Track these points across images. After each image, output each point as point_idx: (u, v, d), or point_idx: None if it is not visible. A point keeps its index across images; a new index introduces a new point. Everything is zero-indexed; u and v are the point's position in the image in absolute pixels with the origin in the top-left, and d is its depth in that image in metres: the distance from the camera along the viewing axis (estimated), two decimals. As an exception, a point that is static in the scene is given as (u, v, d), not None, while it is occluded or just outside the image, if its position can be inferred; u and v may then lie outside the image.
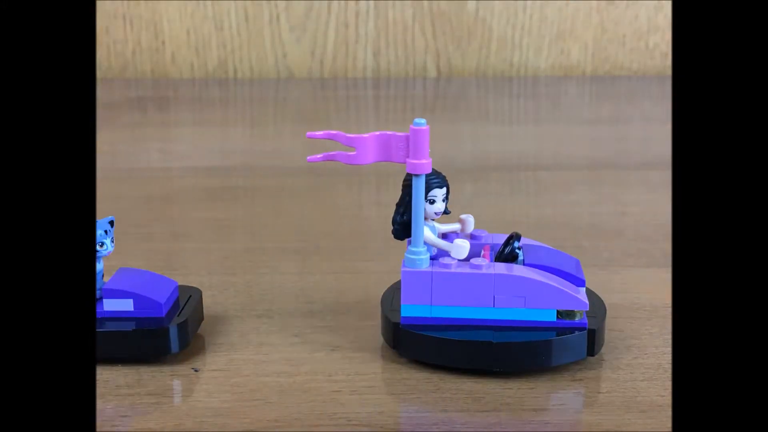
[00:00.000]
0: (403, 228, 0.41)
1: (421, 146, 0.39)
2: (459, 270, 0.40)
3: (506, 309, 0.39)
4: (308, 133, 0.40)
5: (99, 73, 1.17)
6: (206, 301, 0.47)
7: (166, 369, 0.40)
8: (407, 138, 0.39)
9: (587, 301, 0.40)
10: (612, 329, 0.44)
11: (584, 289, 0.41)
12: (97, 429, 0.35)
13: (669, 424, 0.35)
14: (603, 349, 0.41)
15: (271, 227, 0.61)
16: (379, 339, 0.43)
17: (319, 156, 0.41)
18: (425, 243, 0.40)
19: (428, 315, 0.40)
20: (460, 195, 0.67)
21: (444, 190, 0.41)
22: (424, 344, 0.40)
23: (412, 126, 0.39)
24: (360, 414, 0.36)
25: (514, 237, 0.41)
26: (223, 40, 1.15)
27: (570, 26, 1.16)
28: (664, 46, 1.16)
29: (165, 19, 1.15)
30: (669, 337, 0.43)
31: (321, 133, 0.40)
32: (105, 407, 0.37)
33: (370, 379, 0.39)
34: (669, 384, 0.39)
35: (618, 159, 0.79)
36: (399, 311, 0.41)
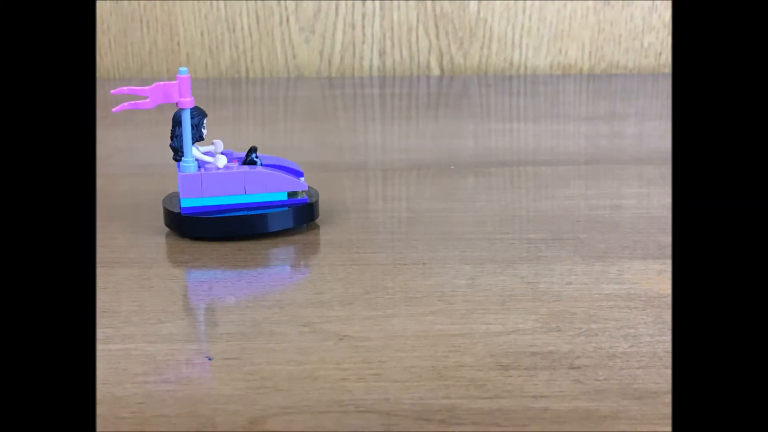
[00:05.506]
0: (175, 150, 0.56)
1: (185, 90, 0.54)
2: (220, 171, 0.56)
3: (253, 195, 0.56)
4: (112, 92, 0.55)
5: (117, 73, 1.18)
6: (220, 291, 0.49)
7: (181, 357, 0.41)
8: (178, 84, 0.54)
9: (305, 185, 0.57)
10: (608, 319, 0.45)
11: (303, 178, 0.58)
12: (116, 415, 0.36)
13: (664, 411, 0.36)
14: (600, 338, 0.43)
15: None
16: (385, 328, 0.44)
17: (120, 107, 0.55)
18: (196, 159, 0.56)
19: (200, 204, 0.56)
20: (463, 188, 0.68)
21: (204, 120, 0.56)
22: (201, 224, 0.55)
23: (178, 75, 0.54)
24: (367, 401, 0.37)
25: (253, 149, 0.58)
26: (235, 41, 1.16)
27: (568, 26, 1.16)
28: (659, 45, 1.17)
29: (180, 21, 1.15)
30: (663, 326, 0.44)
31: (119, 90, 0.54)
32: (123, 394, 0.38)
33: (376, 367, 0.40)
34: (664, 372, 0.39)
35: (614, 154, 0.79)
36: (179, 205, 0.56)
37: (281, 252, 0.55)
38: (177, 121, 0.55)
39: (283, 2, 1.15)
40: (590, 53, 1.17)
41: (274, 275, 0.51)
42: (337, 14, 1.16)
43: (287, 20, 1.15)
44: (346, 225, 0.60)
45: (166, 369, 0.40)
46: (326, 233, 0.58)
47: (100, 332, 0.44)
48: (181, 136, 0.55)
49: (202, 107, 0.57)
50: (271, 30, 1.16)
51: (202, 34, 1.16)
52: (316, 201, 0.58)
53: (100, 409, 0.37)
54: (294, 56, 1.17)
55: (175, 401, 0.37)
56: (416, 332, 0.43)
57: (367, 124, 0.96)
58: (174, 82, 0.54)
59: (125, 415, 0.36)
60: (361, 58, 1.17)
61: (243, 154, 0.59)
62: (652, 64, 1.18)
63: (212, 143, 0.58)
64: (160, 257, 0.54)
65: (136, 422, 0.36)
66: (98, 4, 1.15)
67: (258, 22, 1.16)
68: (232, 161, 0.58)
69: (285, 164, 0.59)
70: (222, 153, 0.58)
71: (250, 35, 1.16)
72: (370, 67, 1.18)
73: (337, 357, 0.41)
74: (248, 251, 0.55)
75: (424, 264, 0.52)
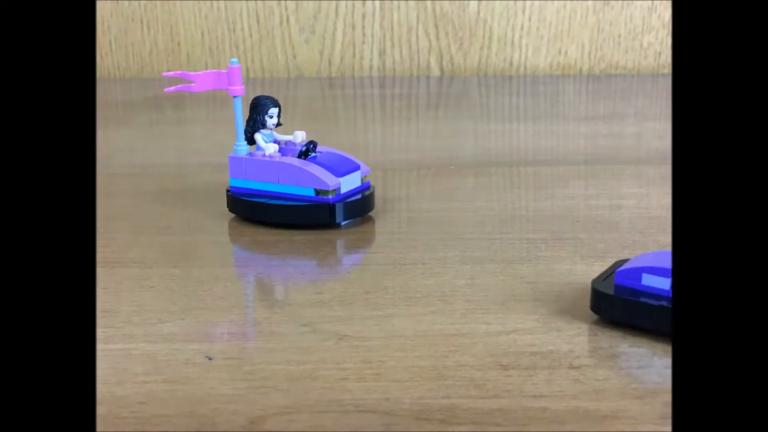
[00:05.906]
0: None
1: (235, 78, 0.59)
2: (263, 159, 0.59)
3: (286, 185, 0.58)
4: (164, 74, 0.60)
5: (117, 74, 1.18)
6: (220, 291, 0.49)
7: (182, 357, 0.41)
8: (228, 73, 0.59)
9: (332, 184, 0.57)
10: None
11: (344, 178, 0.58)
12: (117, 415, 0.36)
13: (664, 411, 0.36)
14: (600, 338, 0.42)
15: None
16: (385, 328, 0.44)
17: (173, 88, 0.59)
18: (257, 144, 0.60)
19: (244, 186, 0.60)
20: (462, 188, 0.68)
21: (276, 109, 0.60)
22: (235, 203, 0.60)
23: (229, 65, 0.59)
24: (366, 401, 0.37)
25: (312, 142, 0.60)
26: (235, 41, 1.16)
27: (567, 27, 1.16)
28: (658, 46, 1.17)
29: (180, 22, 1.15)
30: (663, 326, 0.44)
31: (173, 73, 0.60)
32: (123, 394, 0.38)
33: (376, 366, 0.40)
34: (664, 372, 0.39)
35: (613, 154, 0.80)
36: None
37: (282, 252, 0.55)
38: (250, 108, 0.60)
39: (283, 2, 1.15)
40: (590, 53, 1.18)
41: (274, 275, 0.51)
42: (337, 14, 1.16)
43: (287, 20, 1.16)
44: (345, 225, 0.60)
45: (166, 369, 0.40)
46: (326, 233, 0.58)
47: (101, 332, 0.44)
48: (248, 121, 0.60)
49: (276, 98, 0.61)
50: (271, 30, 1.16)
51: (202, 34, 1.16)
52: (347, 203, 0.58)
53: (100, 409, 0.37)
54: (294, 56, 1.17)
55: (175, 401, 0.37)
56: (416, 332, 0.43)
57: (367, 124, 0.96)
58: (224, 70, 0.59)
59: (125, 415, 0.36)
60: (361, 58, 1.18)
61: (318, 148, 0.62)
62: (651, 64, 1.18)
63: (293, 134, 0.62)
64: (160, 257, 0.54)
65: (136, 422, 0.36)
66: (99, 5, 1.16)
67: (258, 23, 1.16)
68: (287, 154, 0.61)
69: (333, 162, 0.59)
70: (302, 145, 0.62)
71: (251, 35, 1.16)
72: (370, 67, 1.18)
73: (337, 357, 0.41)
74: (249, 251, 0.55)
75: (424, 264, 0.52)
